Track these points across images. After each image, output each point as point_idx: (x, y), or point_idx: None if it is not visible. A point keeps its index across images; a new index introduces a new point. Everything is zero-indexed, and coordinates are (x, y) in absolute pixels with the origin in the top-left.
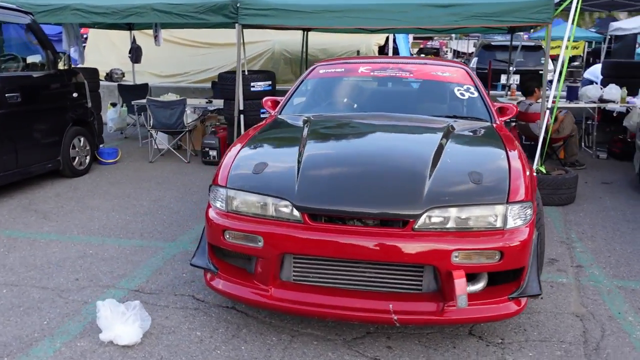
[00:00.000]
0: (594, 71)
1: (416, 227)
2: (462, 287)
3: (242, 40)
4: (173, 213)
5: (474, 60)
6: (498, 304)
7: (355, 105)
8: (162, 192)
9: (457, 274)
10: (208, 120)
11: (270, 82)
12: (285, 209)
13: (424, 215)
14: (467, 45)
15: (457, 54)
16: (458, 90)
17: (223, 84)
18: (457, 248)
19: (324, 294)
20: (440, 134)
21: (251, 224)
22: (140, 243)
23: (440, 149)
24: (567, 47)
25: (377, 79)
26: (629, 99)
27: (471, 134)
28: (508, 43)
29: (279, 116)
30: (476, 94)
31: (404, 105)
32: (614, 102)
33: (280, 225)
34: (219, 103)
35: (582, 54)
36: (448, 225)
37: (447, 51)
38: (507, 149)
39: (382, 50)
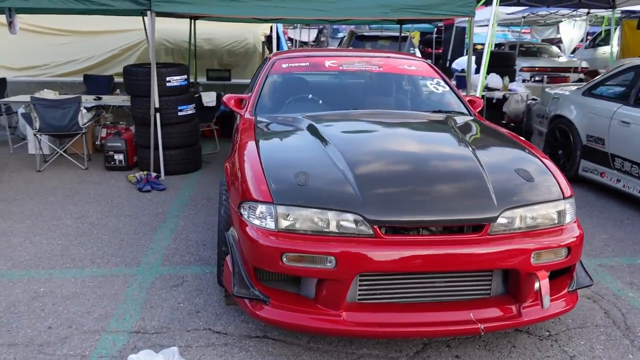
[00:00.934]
0: (461, 62)
1: (491, 231)
2: (547, 287)
3: (153, 31)
4: (112, 231)
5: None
6: (562, 299)
7: (338, 103)
8: (80, 207)
9: (541, 274)
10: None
11: (185, 77)
12: (351, 223)
13: (500, 218)
14: (308, 34)
15: (295, 42)
16: (430, 84)
17: (131, 79)
18: (535, 248)
19: (396, 312)
20: (453, 130)
21: (317, 243)
22: (99, 272)
23: (467, 145)
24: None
25: (348, 73)
26: (510, 86)
27: (474, 128)
28: (379, 34)
29: (260, 118)
30: (447, 87)
31: (386, 100)
32: (498, 89)
33: (351, 241)
34: (111, 100)
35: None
36: (518, 226)
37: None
38: (521, 143)
39: (270, 40)
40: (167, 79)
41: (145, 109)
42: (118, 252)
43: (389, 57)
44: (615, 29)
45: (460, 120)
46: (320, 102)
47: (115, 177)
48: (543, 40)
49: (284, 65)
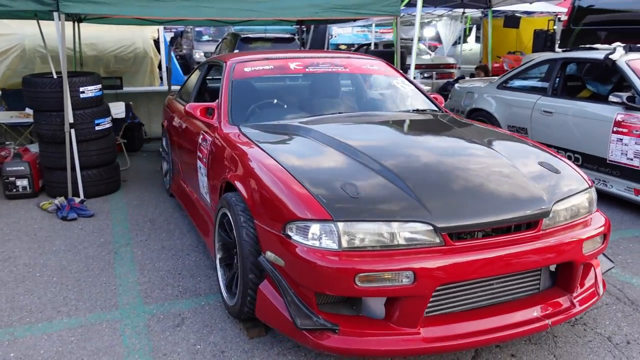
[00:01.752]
0: None
1: (544, 226)
2: (600, 274)
3: (63, 35)
4: (58, 271)
5: (235, 52)
6: (596, 285)
7: (320, 106)
8: (0, 247)
9: (596, 263)
10: None
11: (100, 86)
12: (420, 233)
13: (551, 212)
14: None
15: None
16: (397, 83)
17: (34, 92)
18: (586, 238)
19: (466, 320)
20: (455, 128)
21: (389, 259)
22: (74, 322)
23: (484, 144)
24: None
25: (316, 75)
26: None
27: (466, 124)
28: (263, 35)
29: (246, 129)
30: (412, 85)
31: (364, 102)
32: None
33: (422, 253)
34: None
35: None
36: (564, 218)
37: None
38: (518, 137)
39: (157, 44)
40: (81, 89)
41: (55, 125)
42: (82, 295)
43: (348, 57)
44: (472, 28)
45: (446, 118)
46: (302, 106)
47: (23, 206)
48: (405, 39)
49: (246, 69)
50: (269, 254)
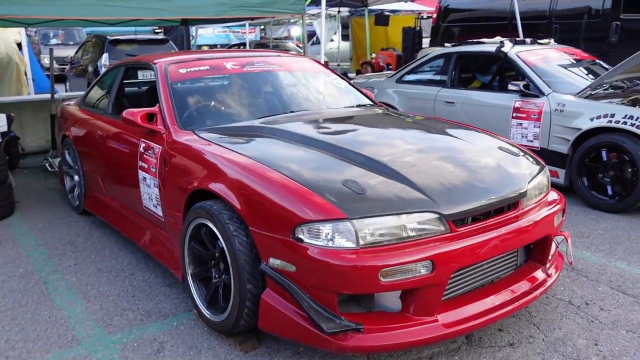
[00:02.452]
0: None
1: (522, 205)
2: (570, 245)
3: None
4: None
5: (105, 55)
6: (557, 255)
7: (271, 106)
8: None
9: (567, 234)
10: None
11: None
12: (428, 223)
13: (527, 192)
14: None
15: None
16: (332, 79)
17: None
18: (554, 212)
19: (470, 302)
20: (412, 121)
21: (405, 251)
22: None
23: (447, 133)
24: None
25: (256, 74)
26: None
27: (410, 117)
28: (134, 37)
29: (204, 134)
30: (345, 81)
31: (312, 99)
32: None
33: (432, 242)
34: None
35: None
36: (534, 196)
37: None
38: (465, 125)
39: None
40: None
41: None
42: (27, 335)
43: (279, 55)
44: (339, 26)
45: (397, 112)
46: (253, 106)
47: None
48: (275, 39)
49: (181, 71)
50: (272, 261)
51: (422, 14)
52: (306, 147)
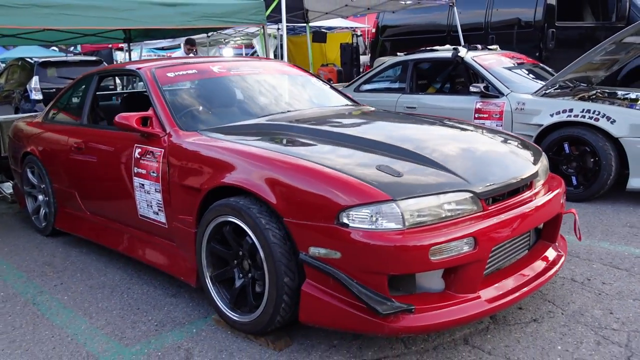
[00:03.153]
0: None
1: (535, 185)
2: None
3: None
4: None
5: (35, 78)
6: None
7: (265, 106)
8: None
9: (574, 211)
10: None
11: None
12: (464, 202)
13: (538, 173)
14: None
15: None
16: (315, 82)
17: None
18: (561, 192)
19: (503, 278)
20: (411, 116)
21: (447, 229)
22: None
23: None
24: None
25: (245, 77)
26: None
27: (403, 113)
28: (65, 59)
29: (208, 134)
30: (325, 83)
31: (305, 99)
32: None
33: (469, 220)
34: None
35: None
36: (542, 178)
37: None
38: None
39: None
40: None
41: None
42: (36, 355)
43: (260, 60)
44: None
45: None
46: (248, 107)
47: None
48: None
49: (169, 74)
50: (314, 250)
51: (356, 31)
52: (326, 140)
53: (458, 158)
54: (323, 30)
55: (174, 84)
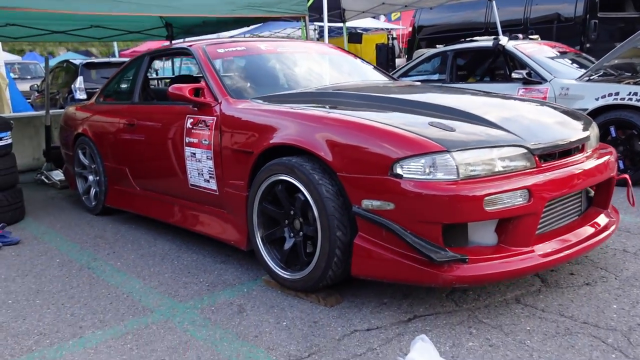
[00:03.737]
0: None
1: (587, 148)
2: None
3: None
4: (34, 295)
5: (79, 79)
6: None
7: (311, 79)
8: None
9: (628, 176)
10: None
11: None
12: (519, 158)
13: (590, 137)
14: None
15: None
16: (357, 60)
17: None
18: (613, 158)
19: (558, 236)
20: (455, 88)
21: (501, 181)
22: (113, 332)
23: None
24: None
25: (290, 54)
26: None
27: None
28: (108, 60)
29: (259, 101)
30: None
31: (347, 74)
32: None
33: (526, 175)
34: None
35: None
36: (594, 143)
37: None
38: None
39: None
40: None
41: None
42: (94, 308)
43: (306, 42)
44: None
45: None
46: (297, 79)
47: None
48: None
49: (219, 50)
50: (366, 202)
51: (391, 32)
52: (375, 105)
53: (511, 119)
54: (359, 31)
55: (225, 58)
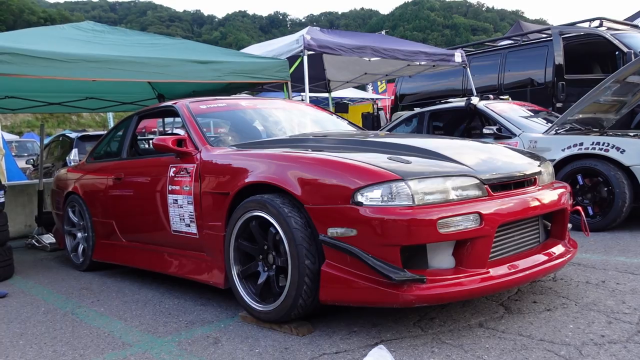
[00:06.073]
0: None
1: (539, 182)
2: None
3: None
4: (17, 338)
5: (74, 151)
6: None
7: (289, 130)
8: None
9: (581, 208)
10: None
11: None
12: (470, 187)
13: (542, 172)
14: None
15: None
16: (331, 115)
17: None
18: (565, 190)
19: (512, 261)
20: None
21: (454, 207)
22: None
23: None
24: None
25: (268, 110)
26: None
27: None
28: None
29: (237, 148)
30: (343, 119)
31: (320, 125)
32: None
33: (474, 202)
34: None
35: None
36: (546, 178)
37: None
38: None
39: None
40: None
41: None
42: (75, 345)
43: (284, 101)
44: None
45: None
46: (273, 131)
47: None
48: None
49: (202, 107)
50: (332, 230)
51: (377, 102)
52: (341, 146)
53: (466, 155)
54: (345, 101)
55: (206, 113)
